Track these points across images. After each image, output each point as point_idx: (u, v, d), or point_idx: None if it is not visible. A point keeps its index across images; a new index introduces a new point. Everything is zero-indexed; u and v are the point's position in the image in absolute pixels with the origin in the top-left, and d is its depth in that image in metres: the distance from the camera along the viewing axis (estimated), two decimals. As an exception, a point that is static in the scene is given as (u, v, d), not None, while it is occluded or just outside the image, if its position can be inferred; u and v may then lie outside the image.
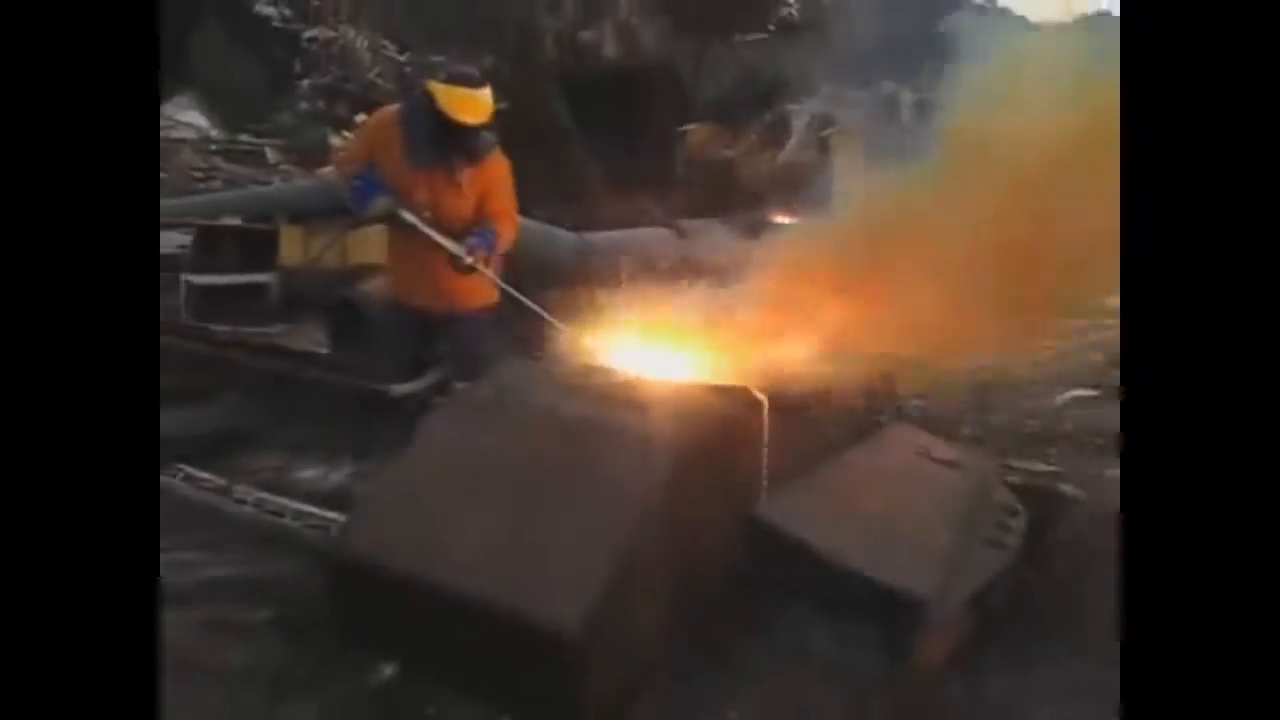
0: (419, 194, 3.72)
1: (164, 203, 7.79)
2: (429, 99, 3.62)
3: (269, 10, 14.90)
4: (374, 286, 5.58)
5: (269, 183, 10.63)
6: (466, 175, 3.75)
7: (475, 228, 3.76)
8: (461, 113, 3.60)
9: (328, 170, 10.76)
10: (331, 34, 14.82)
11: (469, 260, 3.68)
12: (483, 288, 3.89)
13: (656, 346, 3.35)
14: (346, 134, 12.99)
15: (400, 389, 3.92)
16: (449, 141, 3.68)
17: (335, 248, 6.88)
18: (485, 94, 3.67)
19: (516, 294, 3.83)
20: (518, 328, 4.04)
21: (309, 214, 7.96)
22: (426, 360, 4.07)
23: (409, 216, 3.69)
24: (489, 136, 3.79)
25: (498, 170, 3.85)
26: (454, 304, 3.91)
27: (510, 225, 3.88)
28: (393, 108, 3.93)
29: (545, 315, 3.75)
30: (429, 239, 3.71)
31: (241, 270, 6.90)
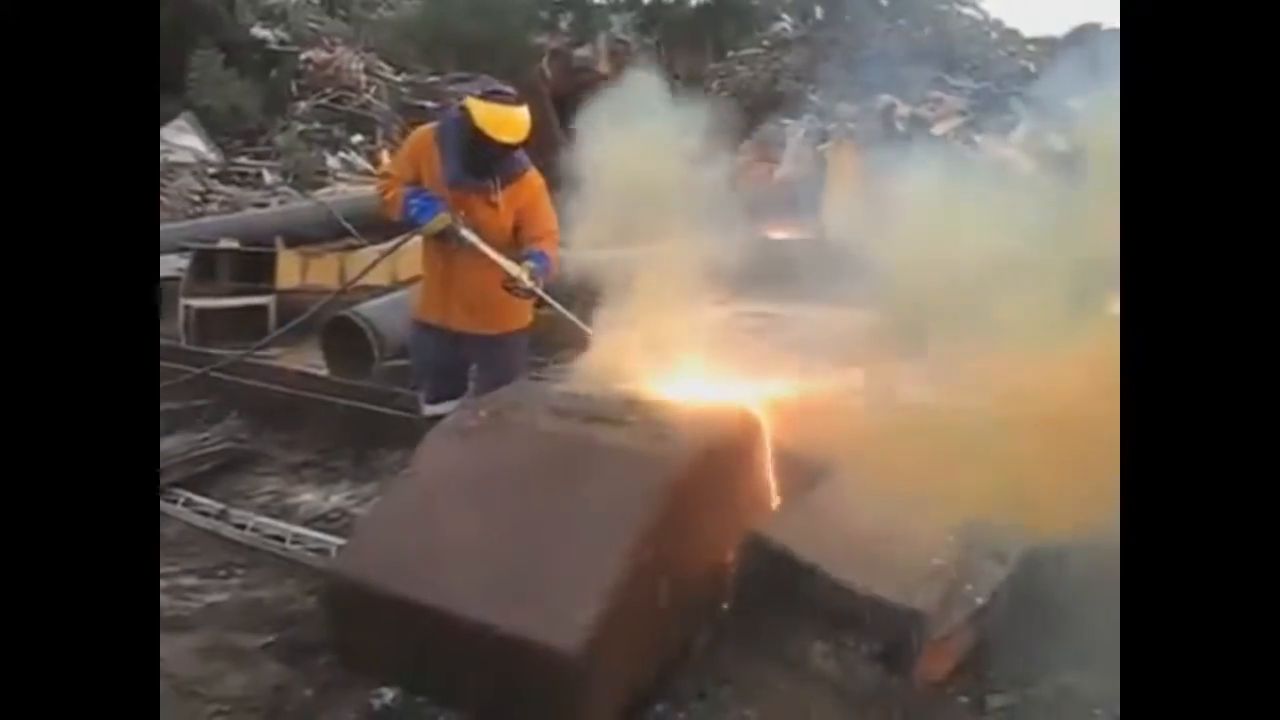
0: (456, 213, 3.65)
1: (164, 227, 7.81)
2: (465, 117, 3.56)
3: (265, 33, 14.92)
4: (372, 307, 5.59)
5: (266, 205, 10.62)
6: (503, 194, 3.69)
7: (514, 248, 3.70)
8: (499, 131, 3.54)
9: (324, 192, 10.78)
10: (327, 55, 14.82)
11: (529, 284, 3.60)
12: (520, 310, 3.84)
13: (657, 365, 3.33)
14: (343, 155, 13.00)
15: (432, 410, 3.84)
16: (485, 160, 3.61)
17: (335, 269, 6.89)
18: (522, 112, 3.61)
19: (567, 313, 3.72)
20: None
21: (306, 236, 7.99)
22: (457, 381, 3.98)
23: (469, 236, 3.62)
24: (523, 155, 3.74)
25: (533, 189, 3.78)
26: (493, 325, 3.83)
27: (555, 245, 3.80)
28: (429, 126, 3.87)
29: (588, 330, 3.65)
30: (480, 259, 3.62)
31: (239, 293, 6.91)
